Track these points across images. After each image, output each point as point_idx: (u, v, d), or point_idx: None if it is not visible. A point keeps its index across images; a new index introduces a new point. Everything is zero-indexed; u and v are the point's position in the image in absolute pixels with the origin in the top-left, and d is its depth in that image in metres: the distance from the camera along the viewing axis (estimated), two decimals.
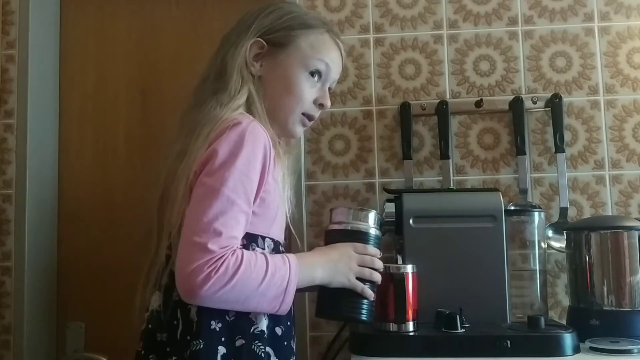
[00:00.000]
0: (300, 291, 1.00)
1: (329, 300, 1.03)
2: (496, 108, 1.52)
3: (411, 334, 1.10)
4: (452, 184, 1.48)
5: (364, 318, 1.02)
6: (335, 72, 1.12)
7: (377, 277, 1.03)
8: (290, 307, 1.00)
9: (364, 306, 1.02)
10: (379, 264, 1.04)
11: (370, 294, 1.02)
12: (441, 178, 1.49)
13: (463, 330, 1.10)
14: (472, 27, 1.55)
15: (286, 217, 1.09)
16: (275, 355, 0.98)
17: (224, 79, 1.05)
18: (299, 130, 1.12)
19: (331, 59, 1.10)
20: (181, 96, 1.66)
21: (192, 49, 1.70)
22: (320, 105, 1.11)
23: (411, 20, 1.56)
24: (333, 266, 1.00)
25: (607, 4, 1.53)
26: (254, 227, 0.98)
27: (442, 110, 1.50)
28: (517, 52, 1.54)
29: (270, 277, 0.92)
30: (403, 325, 1.11)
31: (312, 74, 1.08)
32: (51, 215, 1.67)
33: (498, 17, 1.55)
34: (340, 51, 1.13)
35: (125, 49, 1.72)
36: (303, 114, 1.09)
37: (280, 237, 1.06)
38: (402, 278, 1.11)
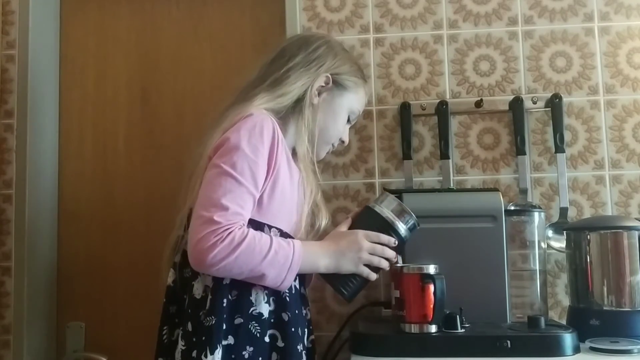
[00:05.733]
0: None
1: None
2: (496, 108, 1.51)
3: (411, 334, 1.10)
4: (452, 184, 1.48)
5: (346, 296, 1.12)
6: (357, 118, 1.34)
7: (385, 265, 1.13)
8: (300, 296, 1.13)
9: (355, 285, 1.12)
10: (390, 253, 1.12)
11: (374, 277, 1.12)
12: (441, 178, 1.49)
13: (463, 330, 1.10)
14: (472, 27, 1.55)
15: (303, 217, 1.17)
16: (282, 339, 1.06)
17: (279, 86, 1.17)
18: (324, 155, 1.29)
19: (362, 109, 1.33)
20: (181, 96, 1.69)
21: (192, 49, 1.70)
22: (342, 142, 1.31)
23: (411, 20, 1.56)
24: (340, 255, 1.10)
25: (607, 4, 1.53)
26: (261, 215, 1.08)
27: (442, 110, 1.50)
28: (517, 52, 1.54)
29: (273, 254, 1.01)
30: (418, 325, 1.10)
31: (350, 117, 1.28)
32: (51, 215, 1.67)
33: (498, 17, 1.55)
34: (366, 101, 1.34)
35: (125, 49, 1.72)
36: (332, 143, 1.28)
37: (289, 230, 1.13)
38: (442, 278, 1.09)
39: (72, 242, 1.67)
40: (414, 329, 1.09)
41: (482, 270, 1.20)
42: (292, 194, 1.13)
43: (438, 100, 1.51)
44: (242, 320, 1.03)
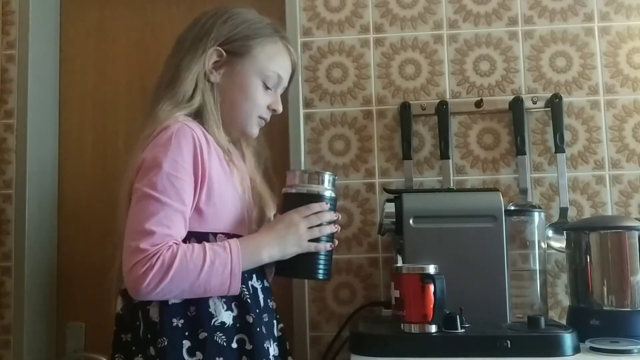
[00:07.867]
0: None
1: (286, 261, 1.08)
2: (496, 108, 1.52)
3: (411, 334, 1.10)
4: (452, 184, 1.48)
5: (321, 277, 1.09)
6: (285, 79, 1.19)
7: (328, 230, 1.08)
8: (264, 290, 1.09)
9: (321, 263, 1.09)
10: (327, 217, 1.08)
11: (323, 248, 1.08)
12: (441, 178, 1.49)
13: (463, 330, 1.09)
14: (472, 27, 1.55)
15: (251, 210, 1.12)
16: (250, 341, 1.03)
17: (175, 85, 1.09)
18: (256, 131, 1.19)
19: (284, 68, 1.17)
20: None
21: None
22: (273, 110, 1.18)
23: (411, 20, 1.56)
24: (281, 240, 1.05)
25: (607, 4, 1.53)
26: (202, 225, 1.03)
27: (442, 110, 1.50)
28: (517, 52, 1.54)
29: (209, 264, 0.97)
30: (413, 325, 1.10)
31: (265, 82, 1.15)
32: (51, 215, 1.67)
33: (498, 17, 1.55)
34: (291, 57, 1.19)
35: (125, 49, 1.72)
36: (258, 117, 1.17)
37: (239, 230, 1.09)
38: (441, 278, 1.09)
39: (72, 242, 1.67)
40: (414, 329, 1.09)
41: (482, 270, 1.20)
42: (233, 193, 1.08)
43: (438, 100, 1.51)
44: (206, 334, 1.00)
